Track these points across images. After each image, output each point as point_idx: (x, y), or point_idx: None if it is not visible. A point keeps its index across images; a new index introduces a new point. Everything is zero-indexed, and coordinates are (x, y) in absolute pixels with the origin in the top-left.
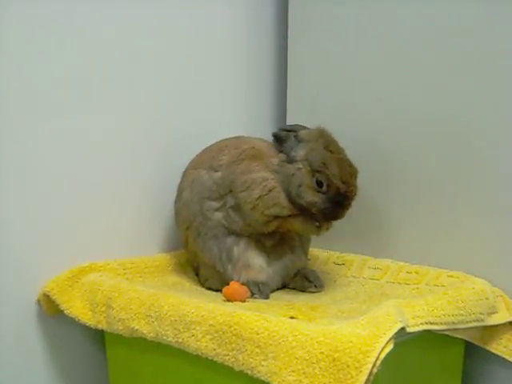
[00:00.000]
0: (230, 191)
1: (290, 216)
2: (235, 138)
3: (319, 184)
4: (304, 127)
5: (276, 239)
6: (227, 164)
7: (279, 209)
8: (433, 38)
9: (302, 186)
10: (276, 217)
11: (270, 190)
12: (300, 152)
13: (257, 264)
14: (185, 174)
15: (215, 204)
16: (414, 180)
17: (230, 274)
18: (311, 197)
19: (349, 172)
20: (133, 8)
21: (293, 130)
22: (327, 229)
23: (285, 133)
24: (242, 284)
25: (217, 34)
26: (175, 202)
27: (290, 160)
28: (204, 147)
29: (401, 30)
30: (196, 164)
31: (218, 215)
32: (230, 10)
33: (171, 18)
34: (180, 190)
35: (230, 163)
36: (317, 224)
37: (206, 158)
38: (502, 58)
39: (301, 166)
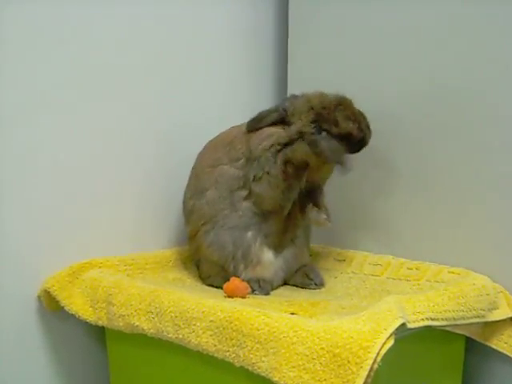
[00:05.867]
0: (251, 163)
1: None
2: (234, 127)
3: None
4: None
5: (286, 219)
6: (245, 148)
7: (301, 154)
8: (432, 38)
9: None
10: (284, 145)
11: (289, 138)
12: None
13: (267, 259)
14: (202, 172)
15: (243, 193)
16: (416, 176)
17: (240, 273)
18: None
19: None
20: (132, 5)
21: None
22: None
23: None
24: (244, 280)
25: (217, 30)
26: (189, 198)
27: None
28: (204, 143)
29: (399, 26)
30: (213, 162)
31: (247, 204)
32: (230, 5)
33: (173, 14)
34: (200, 189)
35: (246, 144)
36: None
37: (221, 154)
38: (502, 54)
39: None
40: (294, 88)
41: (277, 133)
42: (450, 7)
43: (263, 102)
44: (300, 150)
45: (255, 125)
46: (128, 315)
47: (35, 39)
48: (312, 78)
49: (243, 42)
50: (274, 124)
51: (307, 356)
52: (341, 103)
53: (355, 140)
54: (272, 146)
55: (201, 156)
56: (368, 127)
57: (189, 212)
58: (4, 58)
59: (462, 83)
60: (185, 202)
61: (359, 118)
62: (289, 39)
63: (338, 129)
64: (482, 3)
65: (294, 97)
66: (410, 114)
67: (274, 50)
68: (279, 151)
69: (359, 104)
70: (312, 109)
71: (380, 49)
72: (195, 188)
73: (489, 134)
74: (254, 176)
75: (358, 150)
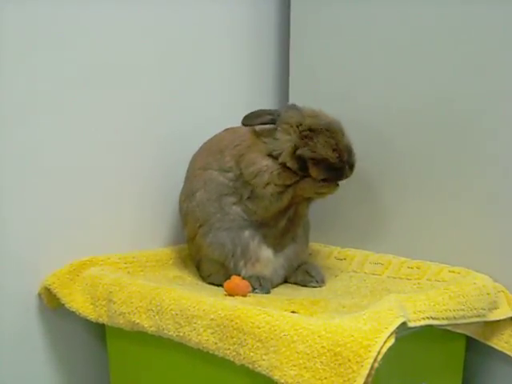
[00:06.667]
0: (243, 183)
1: (299, 181)
2: (228, 132)
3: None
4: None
5: (284, 226)
6: (234, 164)
7: (287, 179)
8: (434, 38)
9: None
10: (287, 186)
11: (278, 173)
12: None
13: (265, 257)
14: (193, 175)
15: (233, 199)
16: (417, 175)
17: (240, 270)
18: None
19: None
20: (133, 5)
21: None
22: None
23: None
24: (245, 278)
25: (219, 31)
26: (183, 201)
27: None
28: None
29: (401, 27)
30: (204, 165)
31: (237, 209)
32: (232, 5)
33: (174, 15)
34: (191, 191)
35: (235, 162)
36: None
37: (212, 160)
38: (501, 52)
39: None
40: (296, 89)
41: (268, 168)
42: (451, 8)
43: (264, 102)
44: (309, 189)
45: (250, 121)
46: (128, 313)
47: (35, 39)
48: (313, 78)
49: (245, 42)
50: (264, 124)
51: (308, 354)
52: (329, 129)
53: (333, 167)
54: (268, 184)
55: (194, 158)
56: (350, 164)
57: (184, 214)
58: (4, 58)
59: (463, 81)
60: (180, 205)
61: (343, 150)
62: (290, 40)
63: (314, 154)
64: (484, 27)
65: (293, 107)
66: (412, 111)
67: (275, 50)
68: (282, 192)
69: (359, 102)
70: (300, 125)
71: (381, 49)
72: (187, 190)
73: (488, 134)
74: (249, 197)
75: (335, 180)
